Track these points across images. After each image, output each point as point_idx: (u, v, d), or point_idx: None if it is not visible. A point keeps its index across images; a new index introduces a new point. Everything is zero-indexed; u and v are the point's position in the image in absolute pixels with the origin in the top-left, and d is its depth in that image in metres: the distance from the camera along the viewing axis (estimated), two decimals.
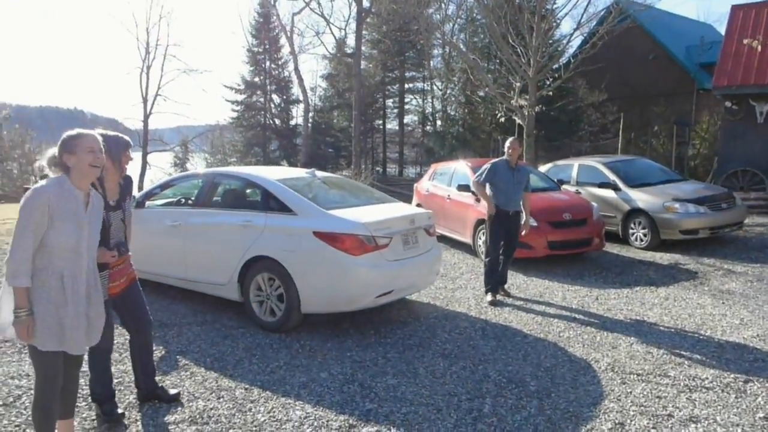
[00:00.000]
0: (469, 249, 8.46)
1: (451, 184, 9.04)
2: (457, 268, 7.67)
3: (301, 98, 25.75)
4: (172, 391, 3.71)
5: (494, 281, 6.08)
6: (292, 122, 31.03)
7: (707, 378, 3.94)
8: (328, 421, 3.41)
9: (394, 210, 5.45)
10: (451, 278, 7.09)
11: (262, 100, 30.30)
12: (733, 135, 13.41)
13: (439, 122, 27.15)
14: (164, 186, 6.48)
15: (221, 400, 3.70)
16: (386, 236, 4.87)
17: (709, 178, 13.83)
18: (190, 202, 5.95)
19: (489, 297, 5.98)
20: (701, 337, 4.79)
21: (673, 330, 4.99)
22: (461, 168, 9.17)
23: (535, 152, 14.60)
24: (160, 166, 29.19)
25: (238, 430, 3.31)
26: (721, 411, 3.46)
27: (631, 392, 3.74)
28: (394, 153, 31.36)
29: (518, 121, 13.41)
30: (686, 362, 4.23)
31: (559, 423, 3.34)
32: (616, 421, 3.35)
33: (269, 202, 5.22)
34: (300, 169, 6.68)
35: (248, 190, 5.86)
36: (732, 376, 3.97)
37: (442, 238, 9.22)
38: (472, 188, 8.24)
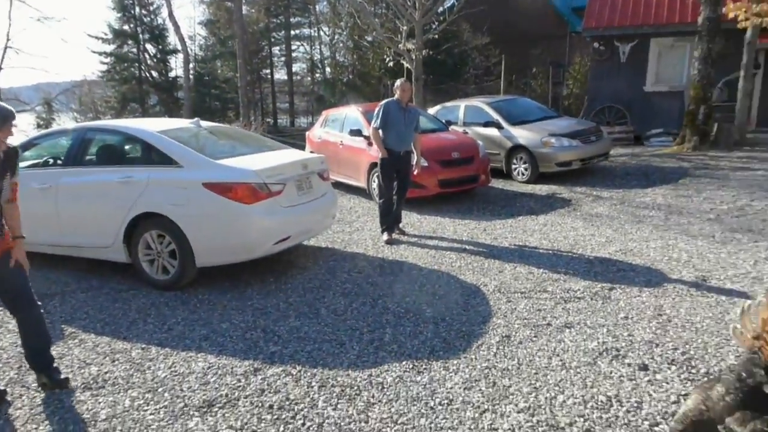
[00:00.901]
0: (364, 193, 8.59)
1: (343, 130, 9.02)
2: (353, 212, 7.79)
3: (179, 48, 23.92)
4: (61, 377, 3.31)
5: (389, 221, 6.26)
6: (172, 74, 28.90)
7: (579, 289, 4.41)
8: (232, 368, 3.41)
9: (285, 156, 5.37)
10: (347, 222, 7.19)
11: (134, 50, 27.80)
12: (600, 74, 14.50)
13: (328, 69, 26.67)
14: (26, 146, 5.83)
15: (116, 362, 3.55)
16: (279, 183, 4.81)
17: (580, 115, 14.96)
18: (59, 162, 5.43)
19: (385, 236, 6.16)
20: (574, 255, 5.32)
21: (550, 251, 5.48)
22: (352, 113, 9.16)
23: (424, 96, 14.88)
24: (21, 129, 26.12)
25: (138, 389, 3.22)
26: (590, 316, 3.91)
27: (515, 308, 4.10)
28: (285, 103, 30.52)
29: (406, 65, 13.53)
30: (562, 278, 4.70)
31: (454, 342, 3.61)
32: (503, 335, 3.67)
33: (151, 155, 4.92)
34: (183, 120, 6.32)
35: (126, 145, 5.45)
36: (600, 286, 4.47)
37: (338, 185, 9.27)
38: (368, 134, 8.30)
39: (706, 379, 2.94)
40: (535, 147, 9.05)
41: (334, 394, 3.05)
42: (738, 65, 11.44)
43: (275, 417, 2.88)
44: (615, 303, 4.12)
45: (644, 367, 3.16)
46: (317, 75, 28.15)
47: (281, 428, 2.79)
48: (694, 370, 3.11)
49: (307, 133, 10.80)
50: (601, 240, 5.74)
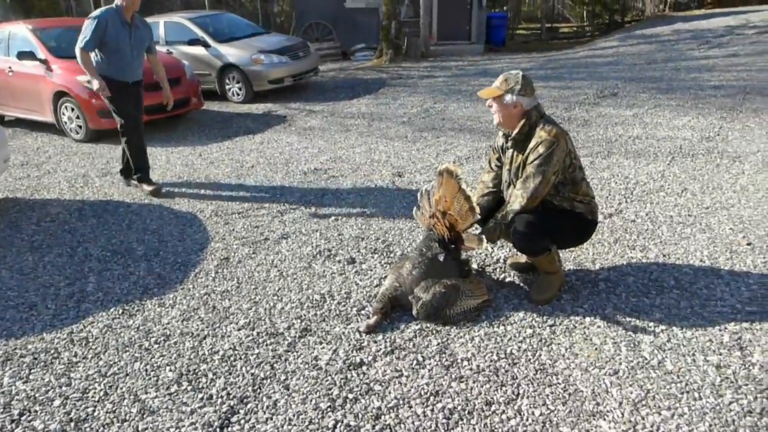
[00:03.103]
0: (54, 129, 7.29)
1: (10, 53, 7.33)
2: (41, 153, 6.56)
3: None
4: None
5: (144, 162, 4.93)
6: None
7: (294, 200, 4.56)
8: None
9: None
10: (34, 165, 6.04)
11: None
12: None
13: None
14: None
15: None
16: None
17: (291, 32, 15.04)
18: None
19: (147, 187, 4.88)
20: (290, 168, 5.45)
21: (267, 168, 5.51)
22: (19, 31, 7.47)
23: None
24: None
25: None
26: (305, 224, 4.09)
27: (233, 229, 4.05)
28: None
29: None
30: (278, 192, 4.79)
31: (169, 276, 3.40)
32: (222, 257, 3.61)
33: None
34: None
35: None
36: (313, 194, 4.69)
37: (18, 122, 7.71)
38: (43, 57, 6.90)
39: (397, 259, 3.39)
40: (245, 65, 8.79)
41: (24, 365, 2.61)
42: None
43: None
44: (327, 208, 4.39)
45: (352, 261, 3.48)
46: None
47: None
48: (392, 255, 3.55)
49: None
50: (314, 151, 6.00)
